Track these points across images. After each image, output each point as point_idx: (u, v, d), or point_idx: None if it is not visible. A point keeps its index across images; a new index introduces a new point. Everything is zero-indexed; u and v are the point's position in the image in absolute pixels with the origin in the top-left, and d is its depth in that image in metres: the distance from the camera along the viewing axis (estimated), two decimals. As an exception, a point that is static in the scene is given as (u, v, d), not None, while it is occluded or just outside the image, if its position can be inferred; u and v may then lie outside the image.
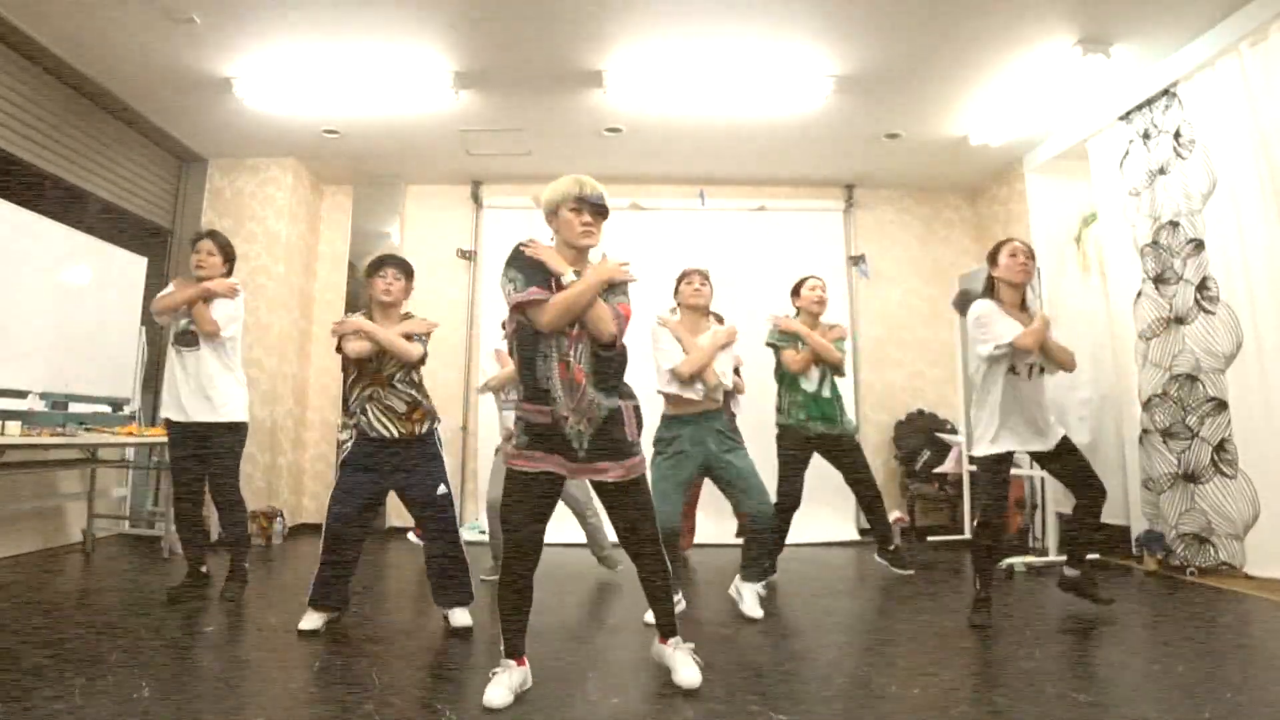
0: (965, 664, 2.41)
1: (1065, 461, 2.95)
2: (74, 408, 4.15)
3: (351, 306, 5.52)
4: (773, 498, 3.66)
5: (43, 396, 3.88)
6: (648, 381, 2.83)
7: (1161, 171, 3.94)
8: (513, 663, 2.09)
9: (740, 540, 3.54)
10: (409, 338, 2.76)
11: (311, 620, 2.68)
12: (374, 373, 2.75)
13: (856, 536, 5.07)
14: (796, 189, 5.78)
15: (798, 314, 3.65)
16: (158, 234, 5.18)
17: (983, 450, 2.94)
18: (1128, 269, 4.17)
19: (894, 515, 5.18)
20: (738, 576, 3.09)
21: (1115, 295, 4.32)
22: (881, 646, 2.70)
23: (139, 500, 4.98)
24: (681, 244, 5.27)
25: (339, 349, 2.75)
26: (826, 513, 4.96)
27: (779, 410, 3.63)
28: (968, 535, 4.81)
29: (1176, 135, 3.85)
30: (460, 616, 2.74)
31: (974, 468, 3.33)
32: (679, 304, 3.15)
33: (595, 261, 2.18)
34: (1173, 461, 3.86)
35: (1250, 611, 3.05)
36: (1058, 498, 4.29)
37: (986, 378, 2.93)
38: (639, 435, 2.22)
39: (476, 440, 5.37)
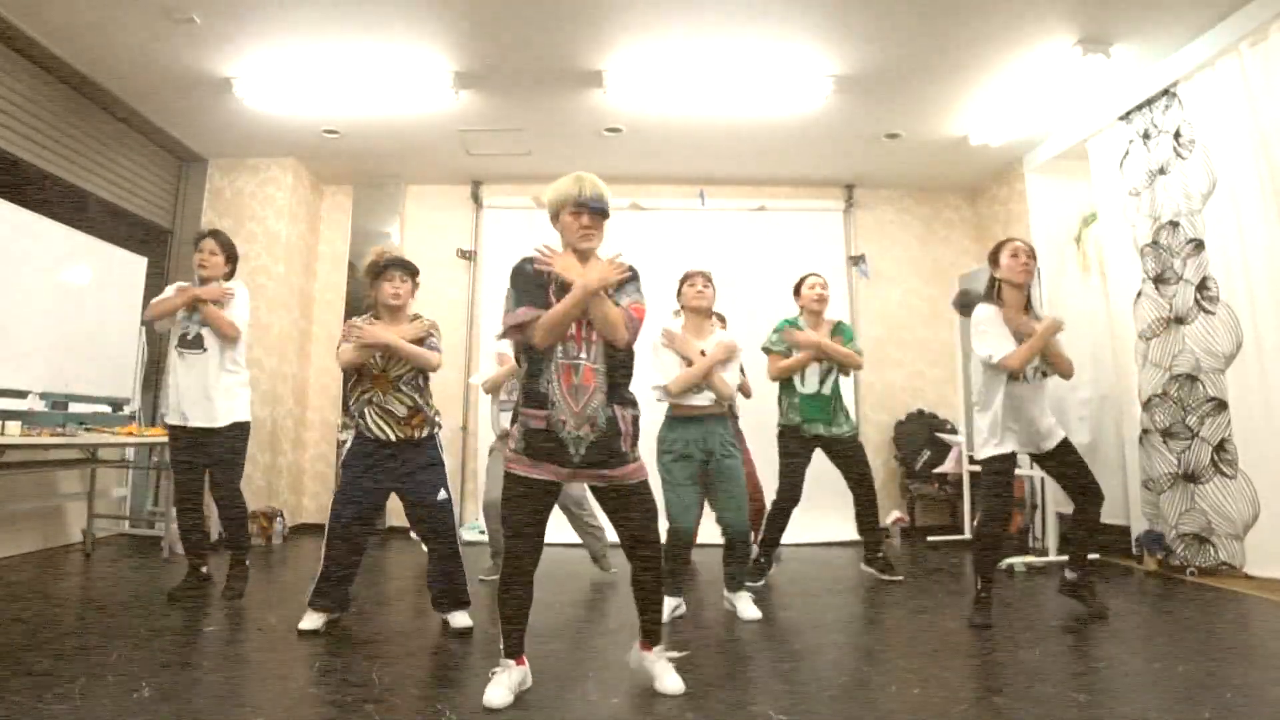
0: (965, 664, 2.41)
1: (1064, 464, 2.95)
2: (74, 408, 4.15)
3: (351, 306, 5.53)
4: (771, 495, 3.69)
5: (43, 396, 3.87)
6: (649, 381, 2.84)
7: (1161, 171, 3.94)
8: (512, 662, 2.09)
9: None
10: (419, 341, 2.75)
11: (312, 620, 2.68)
12: (377, 375, 2.74)
13: (856, 536, 5.05)
14: (796, 189, 5.78)
15: (801, 313, 3.66)
16: (158, 234, 5.18)
17: (987, 452, 2.94)
18: (1128, 269, 4.17)
19: (894, 515, 5.20)
20: (724, 590, 3.08)
21: (1115, 295, 4.32)
22: (881, 646, 2.70)
23: (139, 500, 4.98)
24: (682, 244, 5.27)
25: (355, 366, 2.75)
26: (826, 513, 4.95)
27: (779, 410, 3.65)
28: (968, 535, 4.81)
29: (1176, 135, 3.85)
30: (460, 618, 2.74)
31: (975, 468, 3.34)
32: (682, 306, 3.14)
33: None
34: (1173, 461, 3.86)
35: (1250, 611, 3.05)
36: (1058, 498, 4.29)
37: (988, 381, 2.93)
38: (636, 446, 2.18)
39: (476, 440, 5.37)
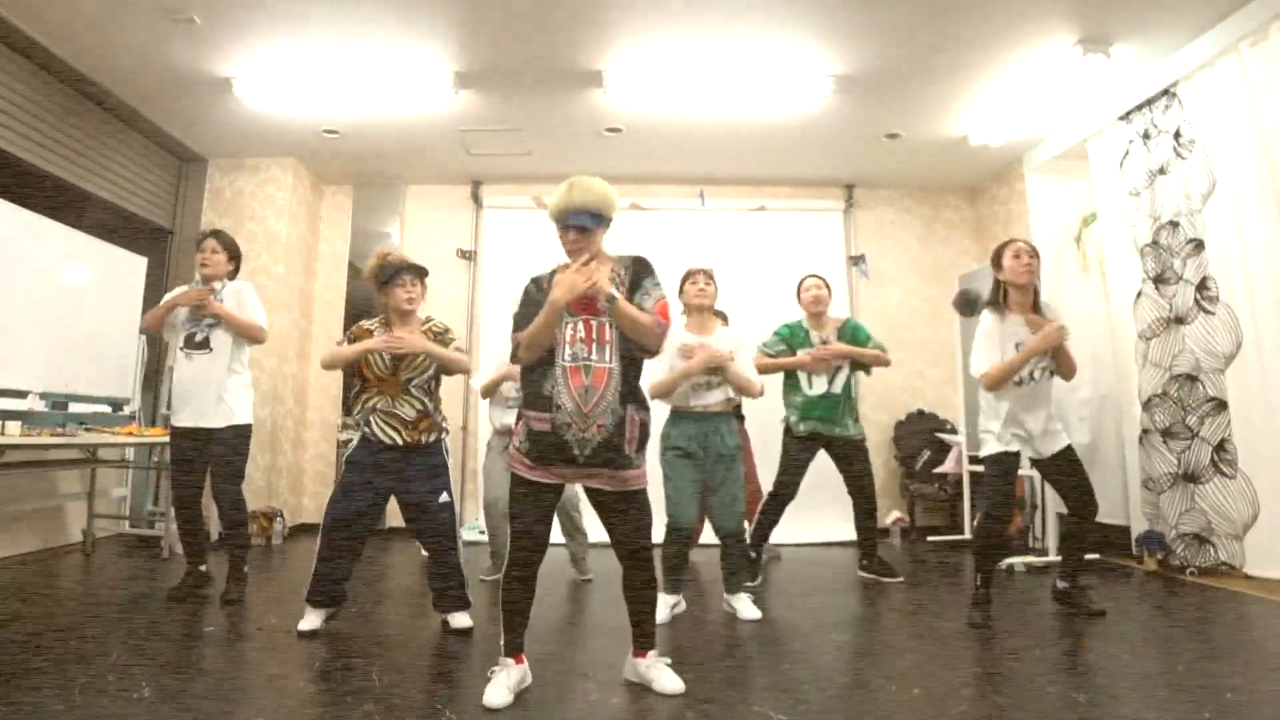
0: (965, 664, 2.41)
1: (1063, 472, 2.96)
2: (74, 408, 4.15)
3: (351, 307, 5.53)
4: (768, 489, 3.69)
5: (43, 396, 3.87)
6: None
7: (1161, 171, 3.94)
8: (511, 661, 2.10)
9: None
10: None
11: (311, 620, 2.68)
12: (385, 380, 2.74)
13: (856, 536, 5.06)
14: (796, 189, 5.78)
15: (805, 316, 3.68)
16: (158, 234, 5.17)
17: (990, 449, 2.94)
18: (1128, 269, 4.17)
19: (894, 515, 5.20)
20: (724, 592, 3.09)
21: (1115, 295, 4.32)
22: (881, 646, 2.71)
23: (139, 500, 4.98)
24: (682, 244, 5.26)
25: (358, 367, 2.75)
26: (826, 513, 4.95)
27: (786, 412, 3.67)
28: (968, 535, 4.81)
29: (1176, 135, 3.85)
30: (460, 619, 2.74)
31: (975, 468, 3.34)
32: (684, 304, 3.15)
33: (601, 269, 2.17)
34: (1173, 461, 3.86)
35: (1250, 611, 3.05)
36: (1058, 498, 4.28)
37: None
38: (641, 450, 2.16)
39: (476, 440, 5.37)
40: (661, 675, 2.12)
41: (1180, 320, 3.85)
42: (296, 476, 5.46)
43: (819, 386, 3.56)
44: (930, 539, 5.00)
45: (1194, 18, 3.53)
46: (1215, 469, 3.65)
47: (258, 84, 4.16)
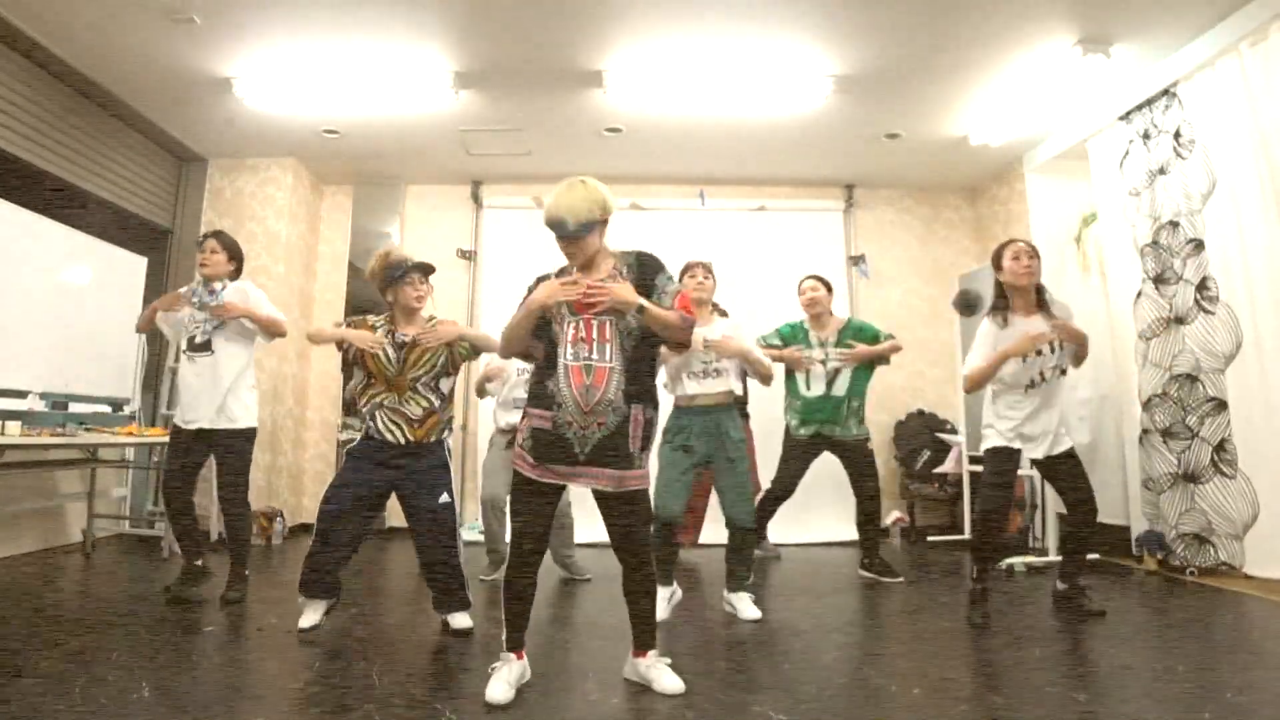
0: (965, 664, 2.42)
1: (1065, 475, 2.96)
2: (74, 408, 4.15)
3: (351, 307, 5.53)
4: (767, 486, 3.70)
5: (43, 396, 3.88)
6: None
7: (1161, 171, 3.94)
8: (512, 656, 2.11)
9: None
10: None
11: (310, 617, 2.68)
12: (392, 378, 2.74)
13: (856, 536, 5.06)
14: (796, 189, 5.78)
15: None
16: (158, 234, 5.17)
17: (990, 443, 2.94)
18: (1128, 269, 4.17)
19: (894, 515, 5.20)
20: (725, 590, 3.09)
21: (1115, 295, 4.31)
22: (881, 646, 2.71)
23: (139, 500, 4.98)
24: (682, 244, 5.22)
25: (350, 356, 2.76)
26: (826, 513, 4.95)
27: (785, 412, 3.67)
28: (968, 535, 4.81)
29: (1176, 135, 3.85)
30: (460, 620, 2.74)
31: (975, 468, 3.34)
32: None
33: (602, 266, 2.19)
34: (1173, 461, 3.85)
35: (1250, 611, 3.05)
36: (1058, 498, 4.29)
37: (1010, 390, 2.94)
38: (644, 449, 2.16)
39: (476, 440, 5.37)
40: (661, 675, 2.12)
41: (1180, 320, 3.85)
42: (296, 476, 5.46)
43: (817, 388, 3.56)
44: (930, 539, 5.00)
45: (1194, 18, 3.53)
46: (1215, 469, 3.65)
47: (258, 84, 4.16)
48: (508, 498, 3.49)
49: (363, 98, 4.32)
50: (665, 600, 2.89)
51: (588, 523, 3.59)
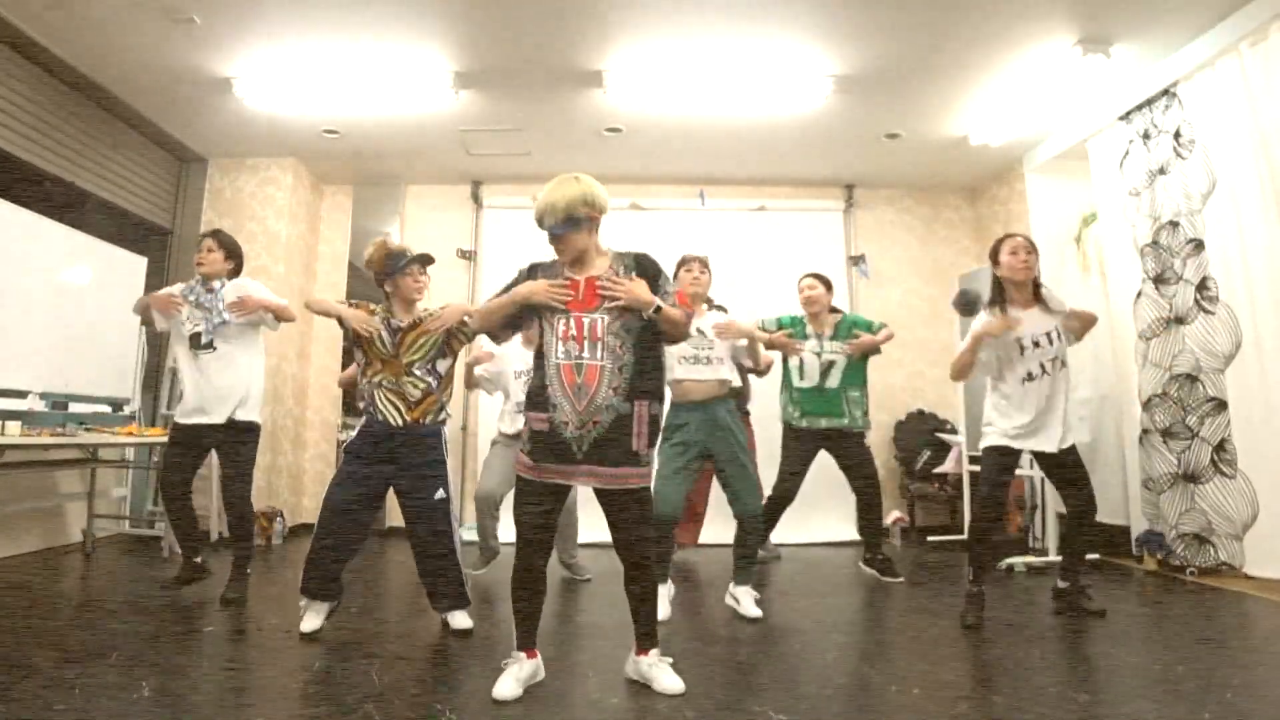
0: (965, 664, 2.42)
1: (1066, 470, 2.95)
2: (74, 408, 4.15)
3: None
4: (768, 490, 3.69)
5: (43, 396, 3.88)
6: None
7: (1161, 171, 3.94)
8: (523, 655, 2.12)
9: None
10: (461, 325, 2.89)
11: (311, 620, 2.68)
12: (389, 361, 2.75)
13: (856, 536, 5.06)
14: (796, 189, 5.78)
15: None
16: (158, 234, 5.17)
17: (988, 442, 2.94)
18: (1128, 269, 4.17)
19: (894, 515, 5.20)
20: (731, 583, 3.10)
21: (1115, 295, 4.31)
22: (881, 646, 2.71)
23: (139, 500, 4.98)
24: (681, 244, 5.21)
25: (353, 336, 2.79)
26: (827, 513, 4.96)
27: (780, 406, 3.67)
28: (967, 535, 4.81)
29: (1176, 135, 3.85)
30: (460, 619, 2.74)
31: (975, 468, 3.34)
32: (678, 292, 3.17)
33: (598, 263, 2.20)
34: (1173, 461, 3.86)
35: (1250, 611, 3.05)
36: (1058, 498, 4.28)
37: (1002, 372, 2.94)
38: (648, 446, 2.16)
39: (476, 440, 5.37)
40: (662, 675, 2.12)
41: (1180, 320, 3.85)
42: (296, 476, 5.46)
43: (810, 379, 3.57)
44: (930, 539, 5.00)
45: (1194, 18, 3.53)
46: (1215, 469, 3.65)
47: (258, 84, 4.16)
48: (504, 495, 3.50)
49: (363, 98, 4.32)
50: (665, 598, 2.90)
51: (588, 523, 3.61)
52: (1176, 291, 3.87)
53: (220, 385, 3.14)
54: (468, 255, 5.69)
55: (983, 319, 2.95)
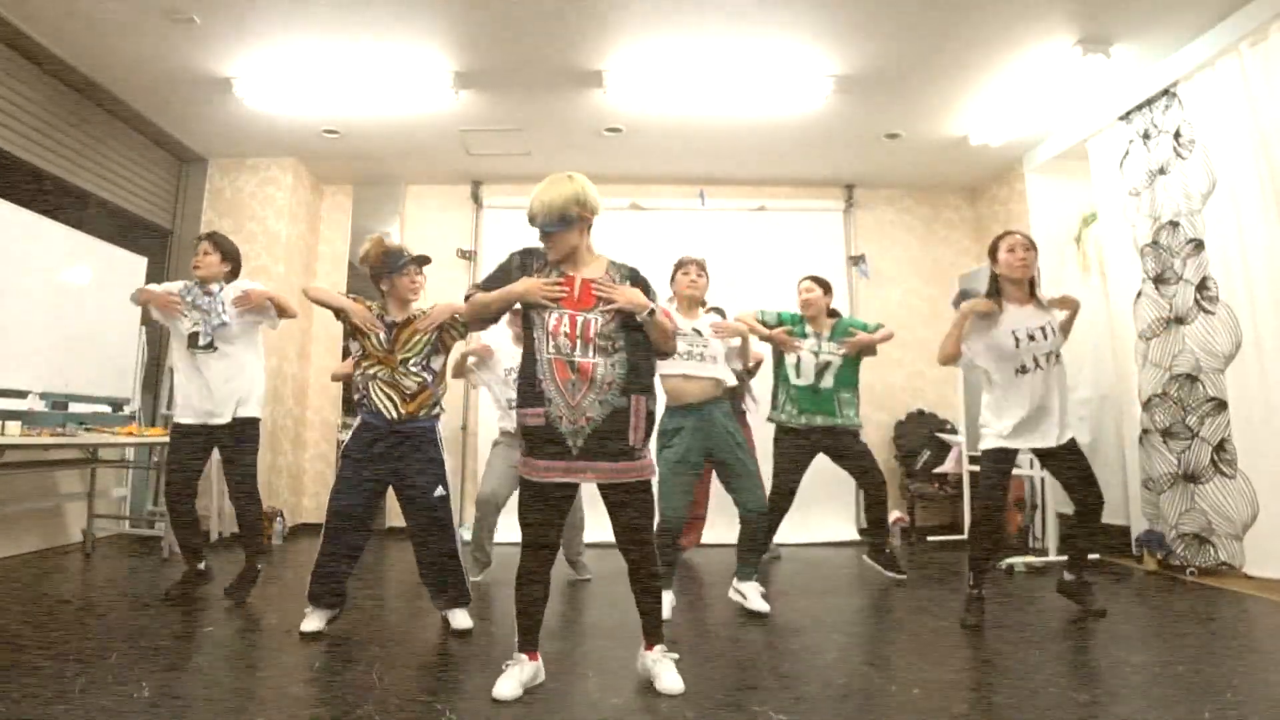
0: (965, 664, 2.42)
1: (1069, 466, 2.95)
2: (74, 408, 4.15)
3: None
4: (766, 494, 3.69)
5: (43, 396, 3.87)
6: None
7: (1161, 171, 3.94)
8: (524, 657, 2.11)
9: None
10: (453, 323, 2.89)
11: (313, 622, 2.67)
12: (382, 356, 2.75)
13: (856, 536, 5.07)
14: (796, 189, 5.78)
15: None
16: (158, 234, 5.17)
17: (987, 444, 2.94)
18: (1128, 269, 4.17)
19: (894, 515, 5.19)
20: (734, 578, 3.10)
21: (1115, 295, 4.31)
22: (881, 646, 2.71)
23: (139, 500, 4.98)
24: (681, 244, 5.21)
25: (351, 328, 2.79)
26: (826, 513, 4.96)
27: (774, 405, 3.64)
28: (968, 538, 4.81)
29: (1176, 135, 3.85)
30: (460, 618, 2.74)
31: (975, 467, 3.34)
32: (675, 293, 3.16)
33: (592, 266, 2.22)
34: (1173, 461, 3.86)
35: (1250, 611, 3.05)
36: (1058, 498, 4.29)
37: (998, 369, 2.94)
38: (644, 440, 2.17)
39: (476, 440, 5.37)
40: (663, 672, 2.12)
41: (1180, 320, 3.85)
42: (296, 476, 5.46)
43: (806, 378, 3.55)
44: (930, 539, 5.00)
45: (1194, 18, 3.53)
46: (1215, 469, 3.65)
47: (258, 84, 4.16)
48: (507, 497, 3.50)
49: (363, 98, 4.32)
50: (667, 605, 2.89)
51: (593, 522, 3.61)
52: (1176, 291, 3.87)
53: (221, 387, 3.14)
54: (468, 255, 5.69)
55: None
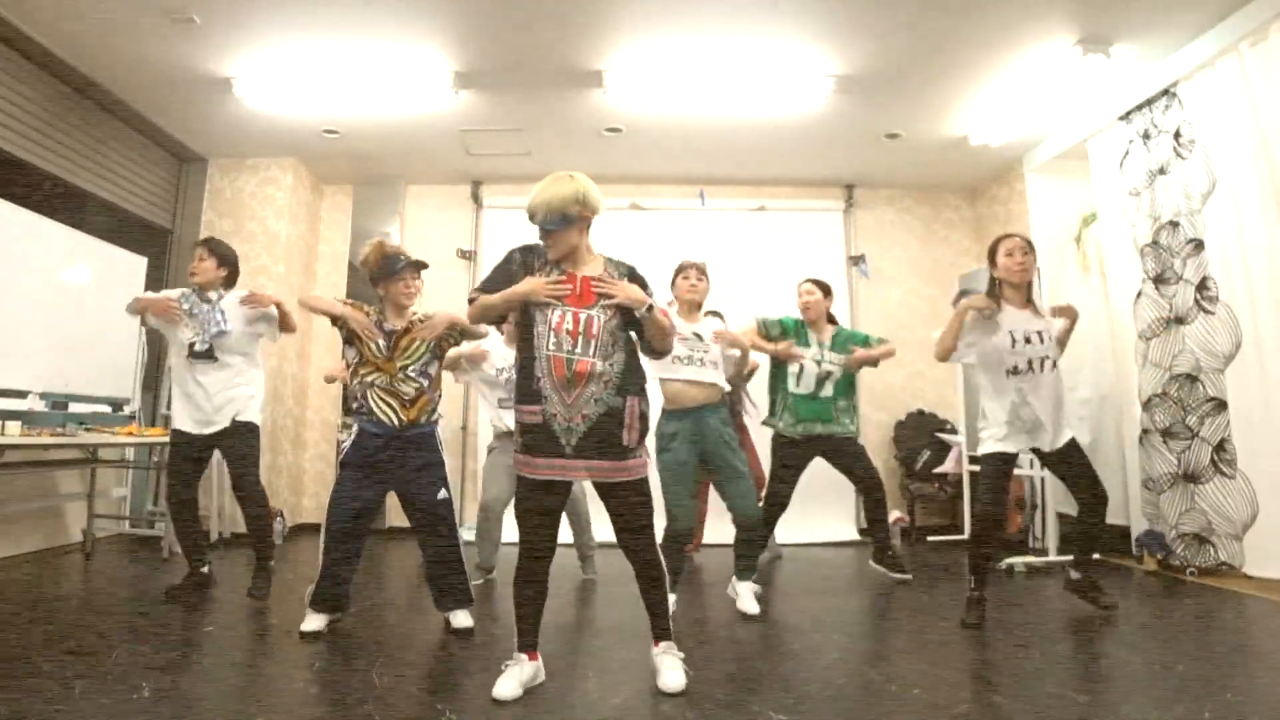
0: (965, 664, 2.42)
1: (1071, 465, 2.95)
2: (74, 408, 4.14)
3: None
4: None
5: (43, 396, 3.87)
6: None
7: (1161, 171, 3.94)
8: (524, 656, 2.11)
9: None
10: (454, 327, 2.89)
11: (313, 622, 2.67)
12: (380, 363, 2.75)
13: (856, 536, 5.07)
14: (796, 189, 5.78)
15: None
16: (158, 234, 5.17)
17: (988, 448, 2.94)
18: (1128, 269, 4.17)
19: (894, 515, 5.19)
20: (733, 577, 3.11)
21: (1115, 295, 4.31)
22: (881, 646, 2.71)
23: (139, 500, 4.98)
24: (681, 244, 5.23)
25: (348, 335, 2.78)
26: (826, 513, 4.96)
27: (772, 411, 3.63)
28: (967, 535, 4.81)
29: (1176, 135, 3.85)
30: (461, 619, 2.74)
31: (975, 468, 3.34)
32: (675, 297, 3.16)
33: (591, 264, 2.22)
34: (1173, 461, 3.86)
35: (1250, 611, 3.05)
36: (1058, 498, 4.30)
37: (995, 373, 2.94)
38: (639, 440, 2.17)
39: (476, 440, 5.37)
40: (666, 670, 2.13)
41: (1180, 320, 3.85)
42: (296, 476, 5.46)
43: (806, 386, 3.55)
44: (930, 539, 5.00)
45: (1194, 18, 3.53)
46: (1215, 469, 3.65)
47: (258, 84, 4.16)
48: (510, 500, 3.50)
49: (363, 98, 4.32)
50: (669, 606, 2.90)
51: (597, 522, 3.60)
52: (1176, 291, 3.87)
53: (219, 395, 3.14)
54: (468, 255, 5.69)
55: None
